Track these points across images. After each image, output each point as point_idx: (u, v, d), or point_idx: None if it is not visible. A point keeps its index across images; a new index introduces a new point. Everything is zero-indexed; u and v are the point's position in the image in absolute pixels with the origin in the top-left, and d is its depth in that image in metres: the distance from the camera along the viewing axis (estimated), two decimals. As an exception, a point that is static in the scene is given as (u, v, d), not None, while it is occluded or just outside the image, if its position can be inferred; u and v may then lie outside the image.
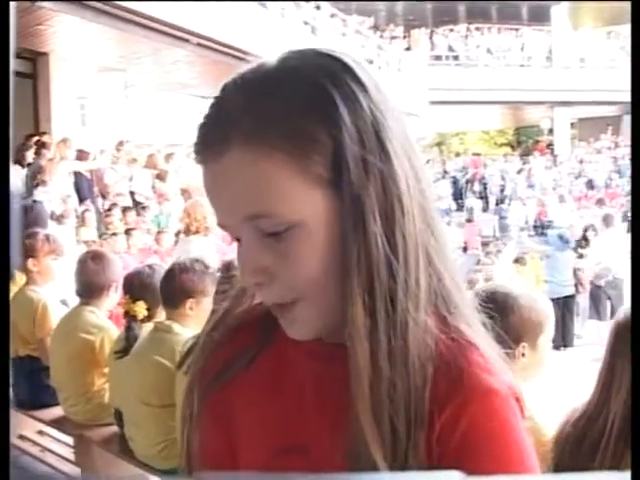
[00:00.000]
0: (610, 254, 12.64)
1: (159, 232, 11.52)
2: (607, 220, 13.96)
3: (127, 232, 10.65)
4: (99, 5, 11.86)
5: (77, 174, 12.29)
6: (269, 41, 16.11)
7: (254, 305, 1.13)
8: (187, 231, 8.26)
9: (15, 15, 0.55)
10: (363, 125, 0.93)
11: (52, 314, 4.72)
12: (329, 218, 0.94)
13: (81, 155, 12.73)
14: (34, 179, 10.49)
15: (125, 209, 12.12)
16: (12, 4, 0.55)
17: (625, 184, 25.69)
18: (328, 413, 1.02)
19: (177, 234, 11.24)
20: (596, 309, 12.61)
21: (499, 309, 2.65)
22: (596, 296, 12.71)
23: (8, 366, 0.50)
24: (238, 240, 0.99)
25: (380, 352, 0.92)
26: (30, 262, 4.74)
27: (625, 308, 2.33)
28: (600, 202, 21.64)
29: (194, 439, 1.14)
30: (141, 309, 3.89)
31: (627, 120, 32.98)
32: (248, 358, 1.13)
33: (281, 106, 0.92)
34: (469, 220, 22.76)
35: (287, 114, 0.92)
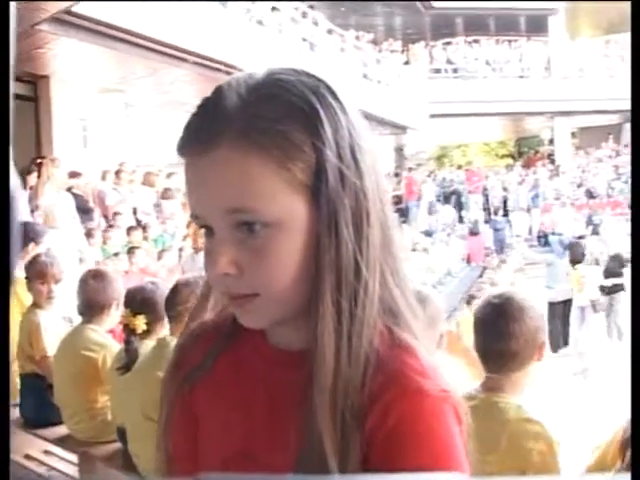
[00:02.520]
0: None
1: (162, 250, 11.56)
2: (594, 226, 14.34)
3: (130, 251, 10.67)
4: (97, 27, 11.93)
5: (75, 195, 12.31)
6: (267, 58, 16.16)
7: (219, 311, 1.21)
8: (195, 248, 8.31)
9: (15, 15, 0.57)
10: (342, 142, 1.01)
11: (46, 336, 4.79)
12: (305, 222, 1.01)
13: (73, 176, 12.75)
14: (31, 202, 10.53)
15: (130, 228, 12.15)
16: (12, 4, 0.57)
17: (627, 192, 25.71)
18: (278, 417, 1.08)
19: (180, 252, 11.28)
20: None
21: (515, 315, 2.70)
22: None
23: (8, 379, 0.53)
24: (208, 231, 1.05)
25: (343, 348, 0.99)
26: (38, 286, 4.86)
27: None
28: (601, 210, 21.71)
29: (166, 442, 1.21)
30: (140, 323, 3.92)
31: (627, 128, 32.99)
32: (210, 362, 1.20)
33: (272, 112, 0.99)
34: (473, 233, 22.66)
35: (277, 120, 0.98)
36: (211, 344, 1.20)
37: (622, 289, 12.47)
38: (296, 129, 0.99)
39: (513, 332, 2.72)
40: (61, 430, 4.66)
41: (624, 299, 12.10)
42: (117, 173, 13.93)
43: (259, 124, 0.98)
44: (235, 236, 1.01)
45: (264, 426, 1.10)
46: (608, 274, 13.02)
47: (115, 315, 4.53)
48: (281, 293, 1.02)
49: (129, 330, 3.96)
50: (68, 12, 10.94)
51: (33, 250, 5.62)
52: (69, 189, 12.08)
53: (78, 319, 5.12)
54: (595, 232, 20.87)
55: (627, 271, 12.16)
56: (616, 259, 13.06)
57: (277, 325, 1.10)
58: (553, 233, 21.41)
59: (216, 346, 1.20)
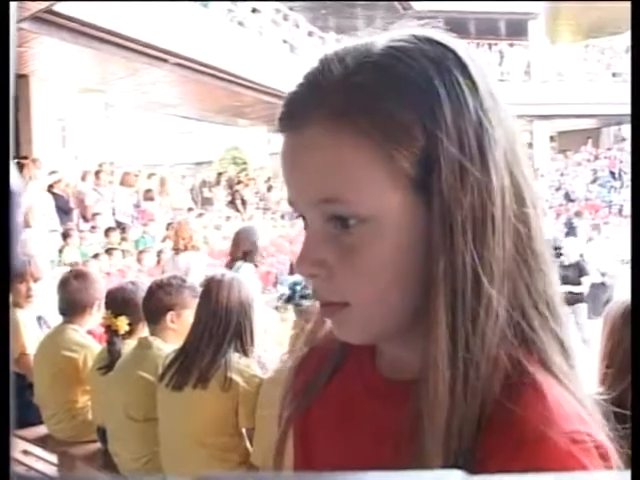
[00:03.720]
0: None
1: (140, 252, 11.51)
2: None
3: (107, 252, 10.64)
4: (78, 27, 11.90)
5: (55, 196, 12.27)
6: (248, 60, 16.16)
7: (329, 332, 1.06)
8: (176, 249, 8.31)
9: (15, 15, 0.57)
10: (466, 128, 0.83)
11: (25, 334, 4.80)
12: (407, 222, 0.85)
13: (54, 177, 12.74)
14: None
15: (108, 229, 12.12)
16: (12, 4, 0.57)
17: (605, 195, 25.87)
18: (378, 457, 0.88)
19: (159, 253, 11.25)
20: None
21: None
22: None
23: (8, 379, 0.53)
24: (304, 221, 0.91)
25: (459, 380, 0.82)
26: (17, 285, 4.84)
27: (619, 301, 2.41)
28: (578, 214, 21.78)
29: (282, 457, 1.10)
30: (123, 324, 3.91)
31: (606, 132, 33.22)
32: (322, 383, 1.09)
33: (379, 84, 0.83)
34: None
35: (383, 96, 0.82)
36: (320, 367, 1.09)
37: (581, 300, 11.29)
38: (405, 107, 0.82)
39: None
40: (40, 430, 4.64)
41: (584, 312, 11.26)
42: (97, 173, 13.91)
43: (360, 99, 0.83)
44: (327, 231, 0.87)
45: (363, 462, 0.94)
46: (564, 283, 12.30)
47: (96, 315, 4.51)
48: (374, 304, 0.87)
49: (111, 331, 3.96)
50: (49, 11, 10.91)
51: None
52: (49, 189, 12.05)
53: (51, 319, 5.13)
54: (572, 235, 20.95)
55: (587, 280, 11.71)
56: (573, 268, 12.05)
57: (385, 344, 0.98)
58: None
59: (324, 369, 1.09)
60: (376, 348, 1.01)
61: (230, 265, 6.03)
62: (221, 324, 3.29)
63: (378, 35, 0.90)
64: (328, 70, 0.86)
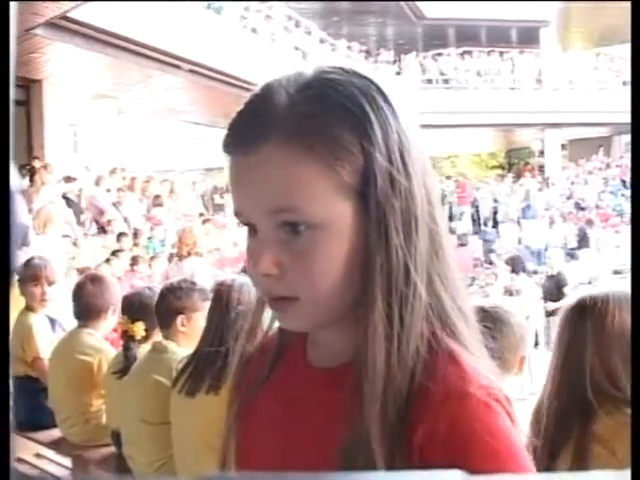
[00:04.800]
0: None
1: (152, 257, 11.54)
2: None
3: (114, 254, 10.65)
4: (92, 33, 11.95)
5: (67, 200, 12.32)
6: (260, 67, 16.19)
7: (265, 333, 1.22)
8: (179, 255, 8.35)
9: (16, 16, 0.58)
10: (391, 145, 0.99)
11: (39, 338, 4.80)
12: (350, 226, 0.99)
13: (68, 182, 12.78)
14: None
15: (120, 235, 12.14)
16: (12, 4, 0.58)
17: (616, 204, 25.79)
18: (316, 436, 1.06)
19: (170, 258, 11.28)
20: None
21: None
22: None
23: (8, 380, 0.55)
24: (251, 229, 1.04)
25: (393, 354, 0.97)
26: (31, 288, 4.86)
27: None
28: (590, 222, 21.74)
29: (230, 449, 1.24)
30: (139, 329, 3.94)
31: (617, 141, 33.14)
32: (255, 388, 1.20)
33: (322, 113, 0.97)
34: (461, 244, 22.60)
35: (326, 122, 0.97)
36: (258, 369, 1.21)
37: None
38: (345, 131, 0.97)
39: (495, 345, 2.73)
40: (54, 433, 4.66)
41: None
42: (109, 178, 13.94)
43: (308, 124, 0.97)
44: (279, 236, 1.00)
45: (301, 444, 1.08)
46: (545, 296, 12.23)
47: (112, 320, 4.54)
48: (322, 297, 1.00)
49: (128, 336, 3.98)
50: (64, 17, 10.95)
51: (25, 253, 5.63)
52: (63, 194, 12.09)
53: (66, 323, 5.15)
54: (585, 245, 20.89)
55: (568, 291, 11.44)
56: (554, 279, 12.17)
57: (317, 334, 1.11)
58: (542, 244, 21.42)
59: (262, 371, 1.20)
60: (307, 341, 1.16)
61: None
62: (232, 329, 3.29)
63: (309, 66, 1.05)
64: (275, 97, 0.99)
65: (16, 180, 0.57)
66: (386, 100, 1.01)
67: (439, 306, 1.03)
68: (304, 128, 0.96)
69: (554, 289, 11.97)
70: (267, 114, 0.98)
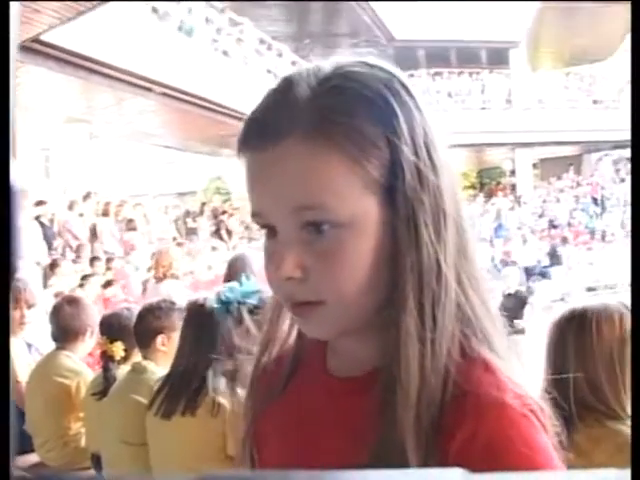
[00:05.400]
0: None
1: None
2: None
3: (84, 279, 10.59)
4: (64, 56, 11.93)
5: (42, 225, 12.27)
6: (232, 90, 16.23)
7: (282, 344, 1.16)
8: (156, 277, 8.34)
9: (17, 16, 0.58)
10: (417, 138, 0.95)
11: (17, 361, 4.75)
12: (377, 223, 0.94)
13: (40, 205, 12.74)
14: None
15: (93, 259, 12.10)
16: (12, 4, 0.57)
17: (588, 221, 26.02)
18: (338, 445, 1.01)
19: (145, 283, 11.23)
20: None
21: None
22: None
23: (8, 380, 0.54)
24: (270, 231, 0.98)
25: (427, 357, 0.92)
26: (12, 312, 4.81)
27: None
28: (564, 240, 21.90)
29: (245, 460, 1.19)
30: (118, 350, 3.91)
31: (587, 159, 33.40)
32: (281, 387, 1.15)
33: (345, 105, 0.92)
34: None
35: (350, 114, 0.92)
36: (273, 381, 1.16)
37: (522, 332, 10.38)
38: (370, 123, 0.92)
39: None
40: (32, 458, 4.60)
41: (524, 345, 10.42)
42: (82, 203, 13.90)
43: (331, 117, 0.91)
44: (301, 237, 0.94)
45: (324, 455, 1.02)
46: (505, 314, 11.67)
47: (89, 342, 4.51)
48: (349, 300, 0.94)
49: (107, 357, 3.95)
50: (36, 40, 10.93)
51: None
52: (36, 218, 12.04)
53: (42, 346, 5.11)
54: (557, 262, 21.01)
55: (528, 310, 11.36)
56: (514, 297, 11.64)
57: (338, 342, 1.05)
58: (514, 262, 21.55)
59: (277, 383, 1.15)
60: (327, 350, 1.11)
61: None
62: (205, 348, 3.26)
63: (328, 60, 1.00)
64: (296, 89, 0.94)
65: (17, 180, 0.56)
66: (409, 94, 0.98)
67: (469, 307, 0.97)
68: (327, 121, 0.91)
69: (513, 307, 11.58)
70: (287, 107, 0.93)
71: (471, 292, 0.98)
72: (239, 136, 0.98)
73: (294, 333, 1.15)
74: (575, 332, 2.31)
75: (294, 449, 1.10)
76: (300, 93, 0.94)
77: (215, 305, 3.20)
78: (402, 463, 0.88)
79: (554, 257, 21.11)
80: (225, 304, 3.21)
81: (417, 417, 0.90)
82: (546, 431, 0.91)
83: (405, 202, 0.93)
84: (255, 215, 0.98)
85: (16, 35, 0.57)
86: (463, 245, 0.99)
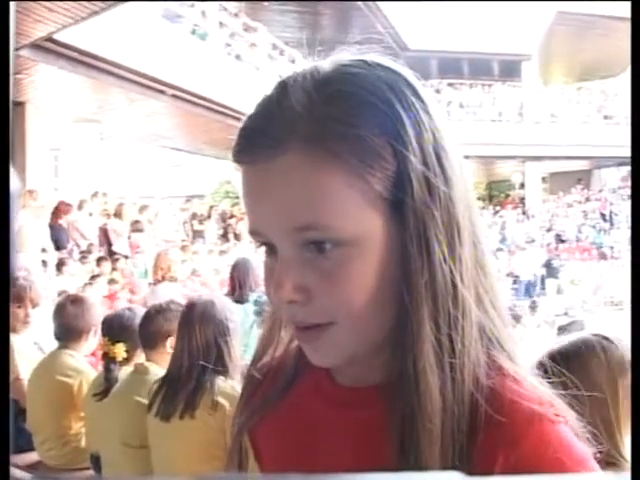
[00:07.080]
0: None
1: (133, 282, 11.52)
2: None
3: (92, 279, 10.61)
4: (77, 55, 11.94)
5: (53, 225, 12.29)
6: (244, 94, 16.24)
7: (284, 347, 1.10)
8: (155, 280, 8.35)
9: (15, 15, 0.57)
10: (426, 146, 0.87)
11: (19, 359, 4.73)
12: (383, 241, 0.86)
13: (63, 207, 12.76)
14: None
15: (99, 259, 12.10)
16: (12, 4, 0.56)
17: (595, 237, 25.98)
18: (343, 458, 0.96)
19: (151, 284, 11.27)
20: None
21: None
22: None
23: (8, 380, 0.52)
24: (270, 249, 0.92)
25: (447, 383, 0.85)
26: (15, 309, 4.80)
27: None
28: (570, 254, 21.89)
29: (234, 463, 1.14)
30: (120, 351, 3.89)
31: (597, 174, 33.40)
32: (269, 407, 1.10)
33: (346, 114, 0.84)
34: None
35: (351, 123, 0.83)
36: (271, 387, 1.10)
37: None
38: (374, 132, 0.83)
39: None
40: (32, 457, 4.59)
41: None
42: (91, 202, 13.92)
43: (331, 127, 0.83)
44: (302, 256, 0.87)
45: (327, 466, 0.98)
46: None
47: (92, 341, 4.49)
48: (359, 321, 0.87)
49: (109, 358, 3.93)
50: (49, 39, 10.94)
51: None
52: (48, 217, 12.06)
53: (46, 345, 5.09)
54: (554, 276, 20.96)
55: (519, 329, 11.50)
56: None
57: (349, 363, 0.96)
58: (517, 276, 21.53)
59: (273, 392, 1.10)
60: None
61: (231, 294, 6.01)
62: (201, 348, 3.24)
63: (326, 60, 0.92)
64: (291, 97, 0.86)
65: (15, 181, 0.54)
66: (416, 94, 0.89)
67: (488, 323, 0.90)
68: (326, 131, 0.83)
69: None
70: (284, 116, 0.85)
71: (491, 309, 0.91)
72: (233, 148, 0.90)
73: (295, 341, 1.07)
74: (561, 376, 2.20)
75: (294, 455, 1.05)
76: (295, 100, 0.86)
77: (252, 306, 3.20)
78: None
79: (559, 271, 21.09)
80: (260, 304, 3.21)
81: (442, 445, 0.84)
82: (574, 431, 0.86)
83: (414, 217, 0.85)
84: (253, 233, 0.92)
85: (15, 35, 0.56)
86: (479, 258, 0.91)
